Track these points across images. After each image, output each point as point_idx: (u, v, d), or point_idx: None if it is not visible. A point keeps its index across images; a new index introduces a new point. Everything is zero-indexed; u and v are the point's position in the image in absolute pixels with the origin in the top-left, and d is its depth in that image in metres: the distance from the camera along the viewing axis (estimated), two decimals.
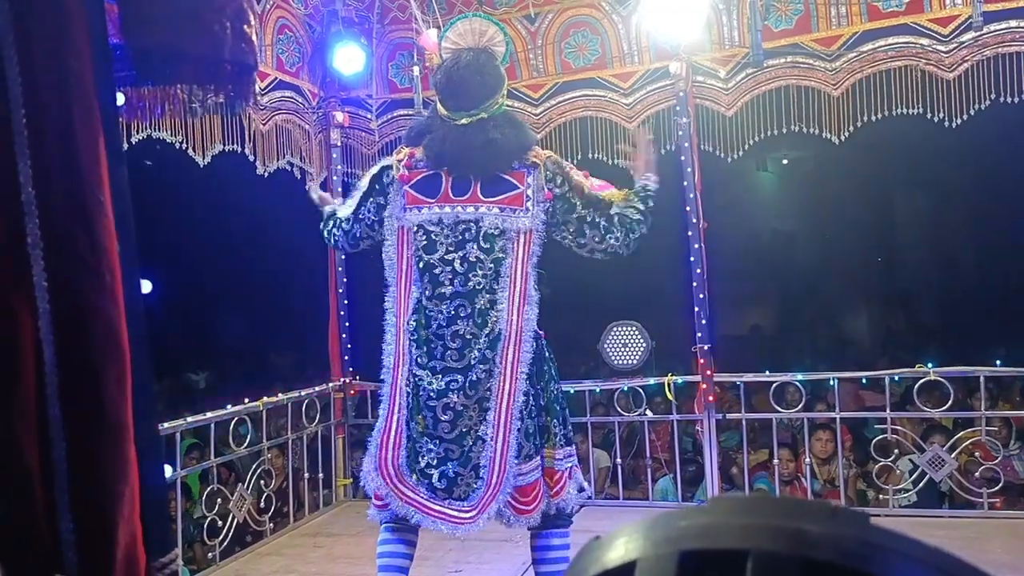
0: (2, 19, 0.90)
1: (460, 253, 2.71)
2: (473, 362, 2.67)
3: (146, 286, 1.08)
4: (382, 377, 2.82)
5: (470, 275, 2.70)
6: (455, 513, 2.69)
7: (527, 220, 2.71)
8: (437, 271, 2.71)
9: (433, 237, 2.73)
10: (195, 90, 1.12)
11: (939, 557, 0.47)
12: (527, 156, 2.75)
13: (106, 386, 0.95)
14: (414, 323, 2.73)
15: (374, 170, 2.91)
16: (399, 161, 2.81)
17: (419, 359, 2.71)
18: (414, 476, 2.71)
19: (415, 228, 2.75)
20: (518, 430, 2.69)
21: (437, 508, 2.69)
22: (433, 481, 2.69)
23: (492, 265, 2.70)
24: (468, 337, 2.68)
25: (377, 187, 2.86)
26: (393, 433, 2.75)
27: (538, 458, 2.75)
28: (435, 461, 2.70)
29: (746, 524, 0.48)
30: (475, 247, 2.70)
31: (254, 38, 1.11)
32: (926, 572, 0.47)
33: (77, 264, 0.95)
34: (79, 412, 0.94)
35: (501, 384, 2.68)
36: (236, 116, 4.30)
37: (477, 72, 2.76)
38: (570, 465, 2.82)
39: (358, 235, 2.95)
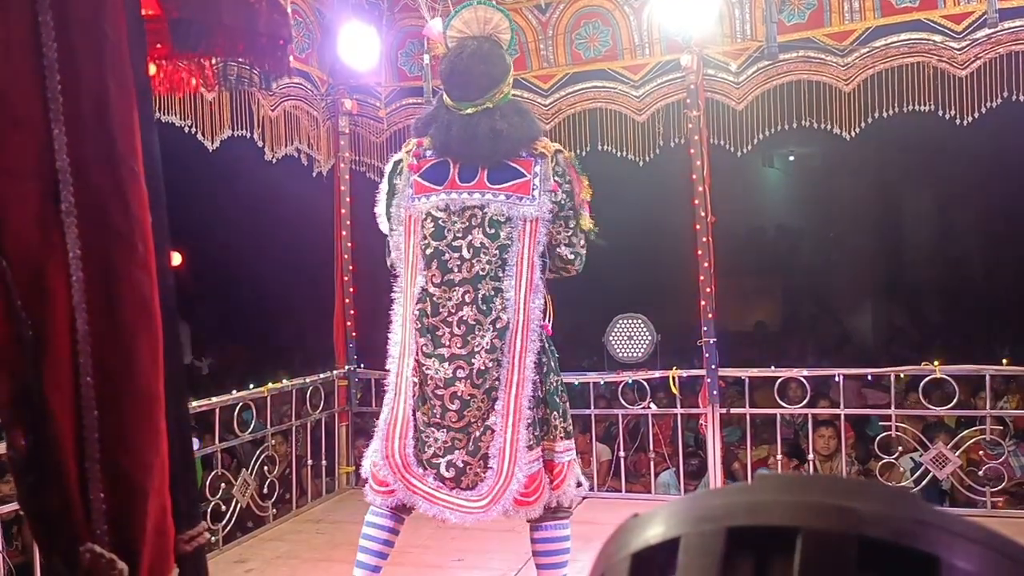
0: None
1: (467, 239, 2.71)
2: (478, 350, 2.68)
3: (175, 258, 1.08)
4: (388, 367, 2.82)
5: (474, 261, 2.70)
6: (463, 503, 2.69)
7: (533, 208, 2.71)
8: (445, 257, 2.71)
9: (441, 223, 2.73)
10: (229, 63, 1.11)
11: (992, 536, 0.47)
12: (534, 145, 2.75)
13: (139, 357, 0.95)
14: (418, 311, 2.73)
15: (388, 168, 2.92)
16: (408, 152, 2.83)
17: (424, 347, 2.72)
18: (421, 467, 2.71)
19: (423, 216, 2.76)
20: (527, 420, 2.69)
21: (444, 497, 2.70)
22: (441, 470, 2.70)
23: (497, 252, 2.70)
24: (472, 323, 2.69)
25: (393, 191, 2.87)
26: (400, 424, 2.75)
27: (538, 449, 2.75)
28: (442, 451, 2.70)
29: (795, 502, 0.47)
30: (480, 233, 2.70)
31: (288, 10, 1.11)
32: (980, 551, 0.46)
33: (110, 233, 0.95)
34: (112, 382, 0.94)
35: (509, 374, 2.68)
36: (245, 101, 4.29)
37: (481, 61, 2.75)
38: (569, 459, 2.82)
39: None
